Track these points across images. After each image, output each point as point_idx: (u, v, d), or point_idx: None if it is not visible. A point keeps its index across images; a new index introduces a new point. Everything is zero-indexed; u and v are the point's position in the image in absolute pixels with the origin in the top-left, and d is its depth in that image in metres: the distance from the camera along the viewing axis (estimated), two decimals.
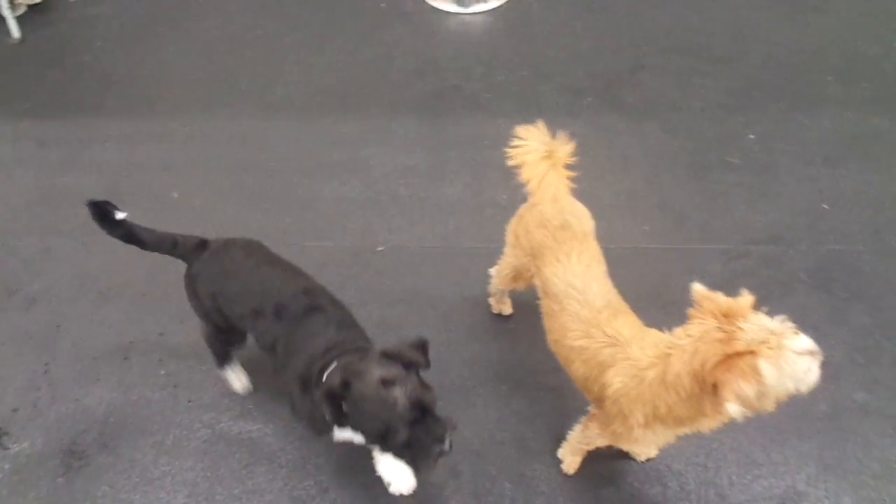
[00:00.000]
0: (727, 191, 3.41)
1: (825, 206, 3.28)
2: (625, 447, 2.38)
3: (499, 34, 4.47)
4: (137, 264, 3.06)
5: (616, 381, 1.92)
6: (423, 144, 3.72)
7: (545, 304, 2.23)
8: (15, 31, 4.63)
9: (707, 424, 1.85)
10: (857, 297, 2.90)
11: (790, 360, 1.59)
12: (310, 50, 4.41)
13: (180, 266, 2.34)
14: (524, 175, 2.25)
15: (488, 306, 2.88)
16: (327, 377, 1.87)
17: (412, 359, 1.81)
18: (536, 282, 2.31)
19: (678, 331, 1.80)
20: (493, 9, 4.65)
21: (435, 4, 4.70)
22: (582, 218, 2.27)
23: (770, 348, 1.59)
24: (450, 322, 2.88)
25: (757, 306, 1.67)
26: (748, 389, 1.60)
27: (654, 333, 1.96)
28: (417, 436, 1.73)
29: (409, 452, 1.79)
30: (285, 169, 3.63)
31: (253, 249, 2.32)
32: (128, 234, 2.22)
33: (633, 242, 3.13)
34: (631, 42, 4.33)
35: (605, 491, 2.39)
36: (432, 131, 3.80)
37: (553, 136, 2.23)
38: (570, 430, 2.36)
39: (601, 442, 2.24)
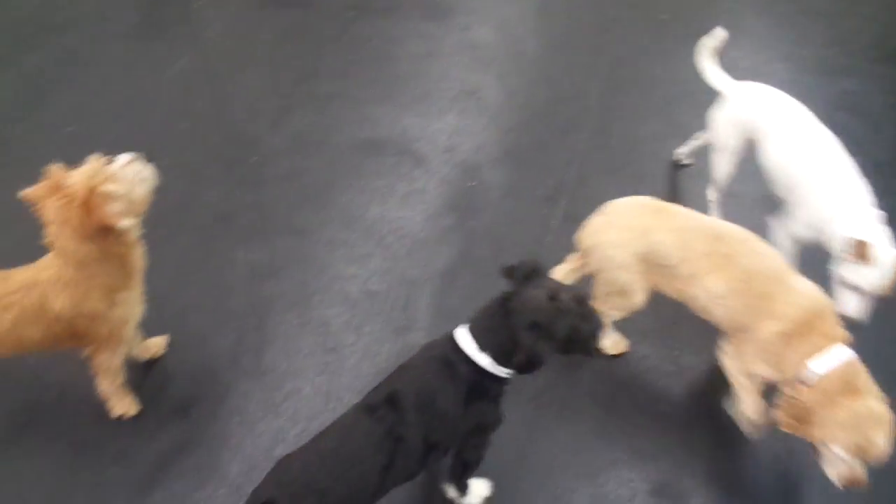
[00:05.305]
0: None
1: None
2: (123, 343, 2.36)
3: None
4: None
5: (59, 302, 2.12)
6: None
7: None
8: None
9: (136, 258, 2.22)
10: None
11: (129, 173, 2.06)
12: None
13: None
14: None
15: None
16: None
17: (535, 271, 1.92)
18: None
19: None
20: None
21: None
22: None
23: (100, 179, 2.00)
24: None
25: (64, 168, 2.00)
26: (116, 207, 2.01)
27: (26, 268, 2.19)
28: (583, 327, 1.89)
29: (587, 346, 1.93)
30: None
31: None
32: None
33: None
34: None
35: None
36: None
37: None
38: None
39: (116, 361, 2.37)
